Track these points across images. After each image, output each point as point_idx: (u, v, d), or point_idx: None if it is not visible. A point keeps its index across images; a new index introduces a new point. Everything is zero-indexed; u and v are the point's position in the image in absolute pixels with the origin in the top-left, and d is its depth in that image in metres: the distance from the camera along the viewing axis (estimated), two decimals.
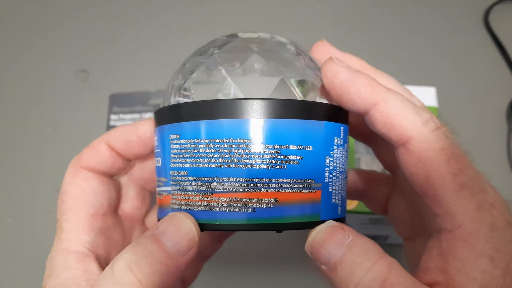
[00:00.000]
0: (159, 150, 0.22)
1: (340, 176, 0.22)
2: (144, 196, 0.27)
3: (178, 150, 0.21)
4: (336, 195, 0.21)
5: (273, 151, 0.19)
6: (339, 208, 0.22)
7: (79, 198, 0.23)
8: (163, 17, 0.58)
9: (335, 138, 0.21)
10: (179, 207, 0.21)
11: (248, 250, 0.42)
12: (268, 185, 0.19)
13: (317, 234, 0.19)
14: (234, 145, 0.19)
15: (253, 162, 0.19)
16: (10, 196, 0.46)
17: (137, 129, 0.24)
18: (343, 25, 0.56)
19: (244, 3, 0.58)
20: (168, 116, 0.21)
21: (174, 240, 0.19)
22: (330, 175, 0.21)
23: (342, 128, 0.22)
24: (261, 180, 0.19)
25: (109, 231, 0.24)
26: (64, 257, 0.22)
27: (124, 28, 0.57)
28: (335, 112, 0.21)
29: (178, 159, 0.21)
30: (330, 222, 0.20)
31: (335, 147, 0.21)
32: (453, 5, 0.58)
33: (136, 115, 0.49)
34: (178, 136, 0.21)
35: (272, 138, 0.19)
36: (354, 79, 0.20)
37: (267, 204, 0.19)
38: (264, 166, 0.19)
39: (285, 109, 0.20)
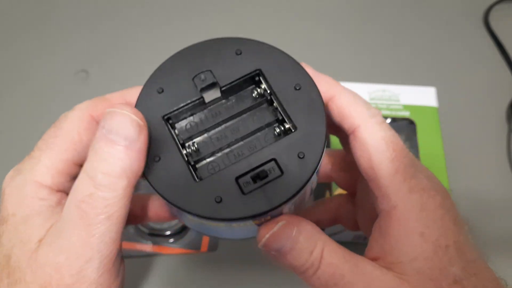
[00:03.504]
0: None
1: None
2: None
3: None
4: None
5: None
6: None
7: (72, 142, 0.23)
8: (163, 17, 0.58)
9: None
10: None
11: (246, 249, 0.42)
12: None
13: (270, 236, 0.21)
14: None
15: None
16: None
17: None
18: (343, 25, 0.56)
19: (244, 3, 0.58)
20: None
21: (124, 135, 0.19)
22: None
23: None
24: None
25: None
26: (36, 188, 0.22)
27: (124, 28, 0.57)
28: None
29: None
30: (281, 223, 0.21)
31: None
32: (453, 5, 0.58)
33: None
34: None
35: None
36: (315, 78, 0.24)
37: None
38: None
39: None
